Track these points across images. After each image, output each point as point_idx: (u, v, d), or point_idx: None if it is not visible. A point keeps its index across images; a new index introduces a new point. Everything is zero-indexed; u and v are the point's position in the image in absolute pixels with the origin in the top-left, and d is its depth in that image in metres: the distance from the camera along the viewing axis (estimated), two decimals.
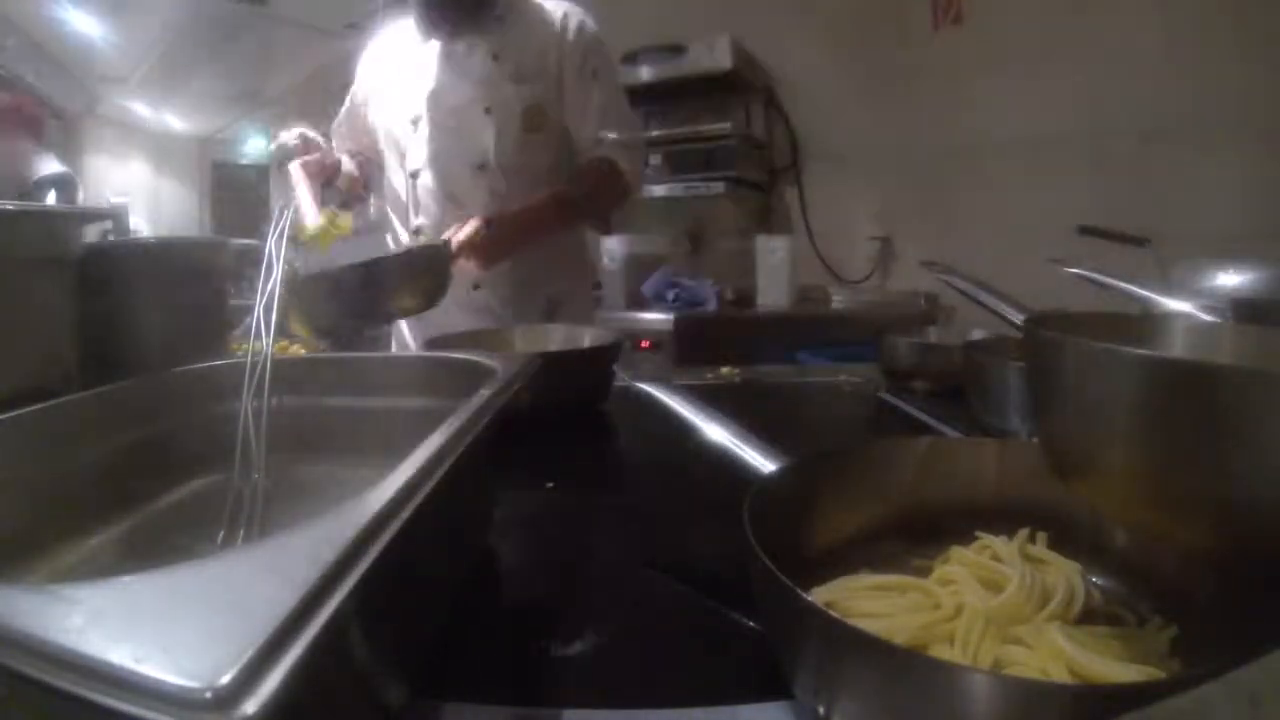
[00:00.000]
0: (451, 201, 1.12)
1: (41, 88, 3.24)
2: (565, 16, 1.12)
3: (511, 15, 1.10)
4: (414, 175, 1.13)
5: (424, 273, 0.90)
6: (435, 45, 1.10)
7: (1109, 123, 1.84)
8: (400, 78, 1.14)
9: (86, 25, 3.24)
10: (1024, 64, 1.94)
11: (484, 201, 1.09)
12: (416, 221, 1.15)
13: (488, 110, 1.08)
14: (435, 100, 1.10)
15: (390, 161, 1.18)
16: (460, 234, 0.95)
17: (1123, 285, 0.60)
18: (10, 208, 0.47)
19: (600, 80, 1.13)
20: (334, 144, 1.20)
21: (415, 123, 1.12)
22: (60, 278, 0.49)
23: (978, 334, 0.91)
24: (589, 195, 1.13)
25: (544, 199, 1.08)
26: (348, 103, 1.24)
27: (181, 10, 3.26)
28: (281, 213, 0.49)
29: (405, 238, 1.18)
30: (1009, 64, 1.96)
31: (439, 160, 1.11)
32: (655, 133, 2.25)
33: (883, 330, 0.98)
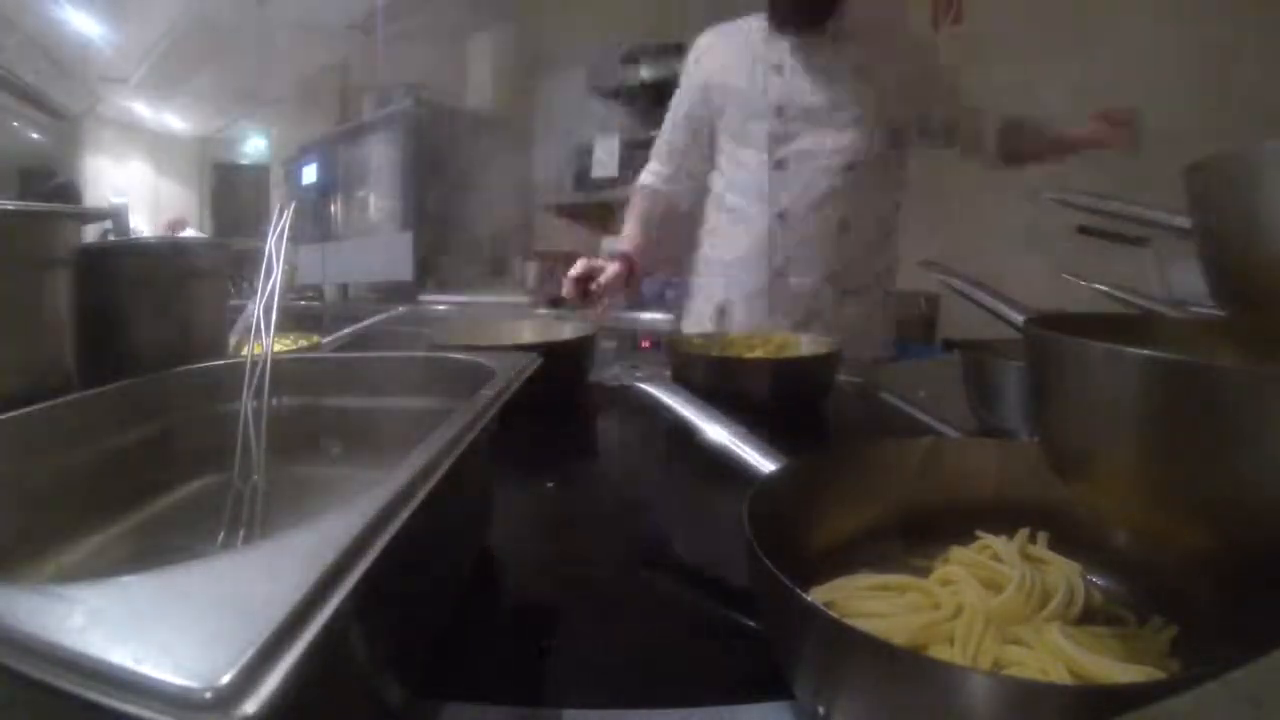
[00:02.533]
0: None
1: (41, 88, 3.24)
2: None
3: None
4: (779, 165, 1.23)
5: None
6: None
7: None
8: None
9: (86, 25, 3.24)
10: (1024, 64, 1.94)
11: None
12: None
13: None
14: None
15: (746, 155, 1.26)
16: None
17: (1139, 302, 0.59)
18: (10, 208, 0.47)
19: None
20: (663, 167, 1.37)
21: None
22: (60, 278, 0.48)
23: None
24: None
25: None
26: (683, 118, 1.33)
27: (181, 10, 3.27)
28: (281, 212, 0.49)
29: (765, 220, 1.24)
30: (1009, 64, 1.96)
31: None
32: (654, 133, 2.24)
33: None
